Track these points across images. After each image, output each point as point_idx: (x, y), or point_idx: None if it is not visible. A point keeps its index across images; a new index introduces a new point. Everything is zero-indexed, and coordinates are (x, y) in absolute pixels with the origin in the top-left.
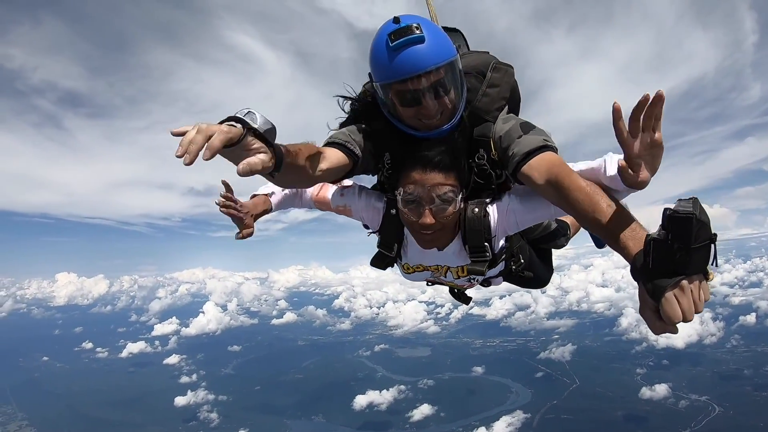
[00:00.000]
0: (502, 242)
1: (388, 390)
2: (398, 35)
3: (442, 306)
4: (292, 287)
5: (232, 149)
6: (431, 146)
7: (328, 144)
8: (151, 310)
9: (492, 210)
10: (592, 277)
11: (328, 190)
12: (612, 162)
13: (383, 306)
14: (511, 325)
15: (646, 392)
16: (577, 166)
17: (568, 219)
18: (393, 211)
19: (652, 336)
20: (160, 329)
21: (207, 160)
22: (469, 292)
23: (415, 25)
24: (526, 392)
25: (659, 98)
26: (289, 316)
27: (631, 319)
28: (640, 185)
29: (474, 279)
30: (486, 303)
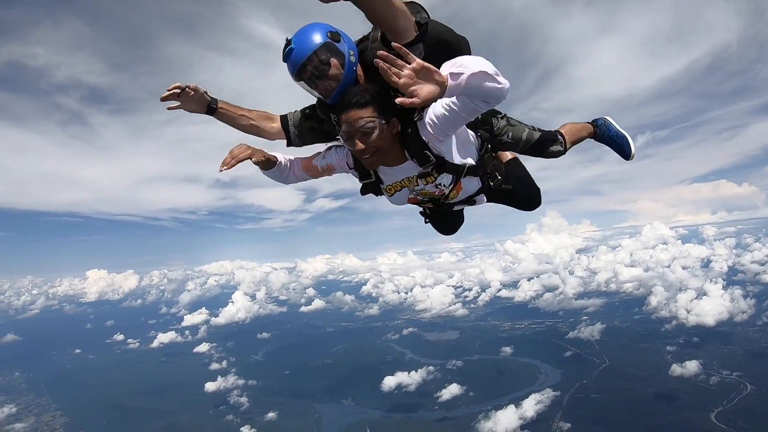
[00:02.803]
0: (455, 155)
1: (416, 371)
2: (283, 53)
3: (470, 290)
4: (320, 276)
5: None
6: (346, 94)
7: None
8: (181, 302)
9: (420, 124)
10: (620, 258)
11: (313, 160)
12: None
13: (411, 291)
14: (540, 306)
15: (676, 370)
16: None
17: (565, 129)
18: None
19: (682, 314)
20: (190, 319)
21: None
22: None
23: (288, 38)
24: (555, 372)
25: (384, 57)
26: (318, 304)
27: (660, 297)
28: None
29: (440, 185)
30: (514, 285)
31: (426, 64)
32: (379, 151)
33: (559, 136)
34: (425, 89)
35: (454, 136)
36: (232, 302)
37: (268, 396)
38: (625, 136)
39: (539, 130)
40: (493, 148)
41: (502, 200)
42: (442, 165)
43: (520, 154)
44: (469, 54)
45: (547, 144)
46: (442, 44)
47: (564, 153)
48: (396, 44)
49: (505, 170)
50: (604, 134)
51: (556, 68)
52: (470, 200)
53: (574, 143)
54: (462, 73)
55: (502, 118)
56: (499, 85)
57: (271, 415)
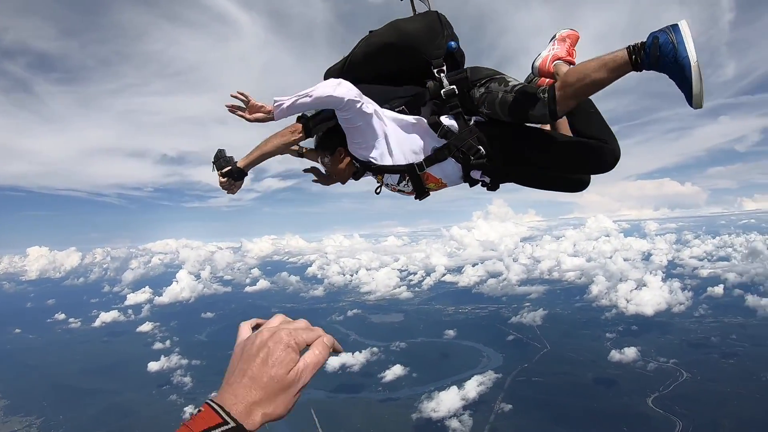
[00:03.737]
0: (385, 158)
1: (360, 352)
2: None
3: (415, 273)
4: (266, 256)
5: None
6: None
7: None
8: (124, 280)
9: None
10: (563, 248)
11: None
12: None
13: (356, 273)
14: (483, 291)
15: (615, 356)
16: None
17: (565, 75)
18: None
19: (621, 303)
20: (133, 298)
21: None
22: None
23: None
24: (497, 356)
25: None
26: (263, 284)
27: (601, 287)
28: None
29: (389, 184)
30: (459, 270)
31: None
32: (342, 172)
33: (541, 93)
34: (254, 116)
35: (382, 141)
36: (177, 281)
37: (212, 376)
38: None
39: (518, 90)
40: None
41: (547, 184)
42: (376, 168)
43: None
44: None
45: (524, 107)
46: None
47: (554, 115)
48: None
49: (521, 143)
50: (659, 59)
51: (512, 59)
52: (472, 180)
53: (583, 94)
54: (282, 103)
55: (483, 84)
56: (309, 98)
57: (214, 394)
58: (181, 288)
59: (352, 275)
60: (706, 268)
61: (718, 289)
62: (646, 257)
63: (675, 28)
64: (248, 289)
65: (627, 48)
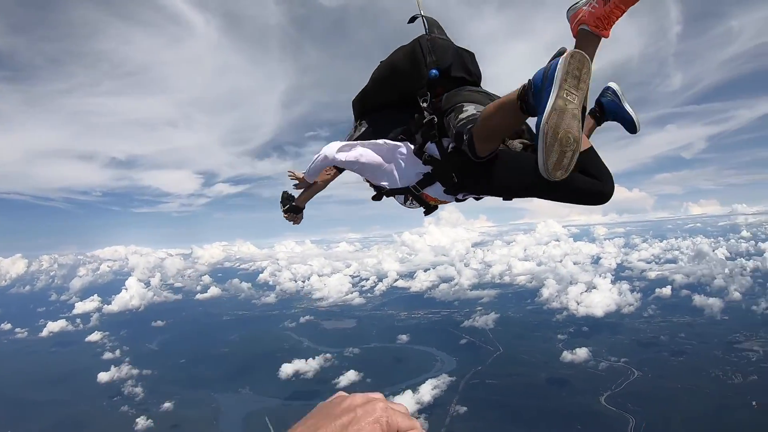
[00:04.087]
0: (384, 184)
1: (314, 359)
2: None
3: (367, 279)
4: (216, 263)
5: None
6: None
7: None
8: (72, 288)
9: None
10: (514, 252)
11: None
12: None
13: (308, 279)
14: (435, 296)
15: (567, 356)
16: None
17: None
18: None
19: (572, 306)
20: (82, 307)
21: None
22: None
23: None
24: (451, 360)
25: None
26: (214, 291)
27: (552, 290)
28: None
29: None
30: (411, 276)
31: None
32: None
33: (466, 135)
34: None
35: (384, 173)
36: (126, 289)
37: (164, 386)
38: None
39: (457, 128)
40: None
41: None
42: (387, 192)
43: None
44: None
45: (460, 146)
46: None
47: (477, 158)
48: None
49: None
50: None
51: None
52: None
53: (491, 138)
54: (306, 171)
55: (447, 115)
56: (319, 162)
57: (167, 405)
58: (131, 296)
59: (304, 281)
60: (654, 270)
61: (666, 290)
62: (596, 261)
63: (553, 64)
64: (199, 296)
65: (520, 86)
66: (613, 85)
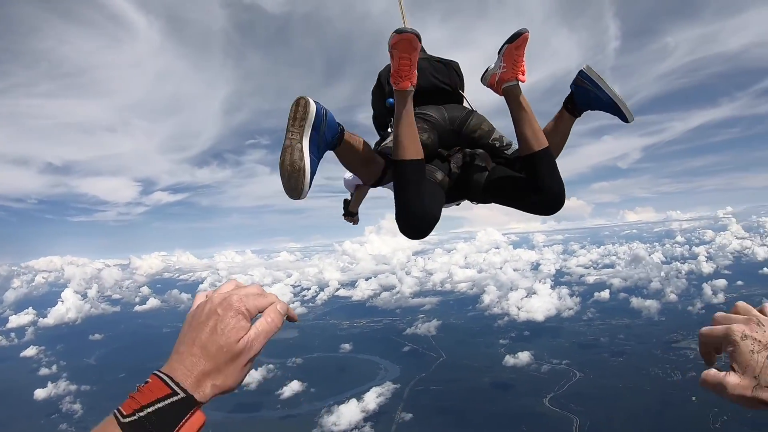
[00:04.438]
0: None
1: (256, 370)
2: None
3: (308, 289)
4: (155, 273)
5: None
6: None
7: None
8: (5, 301)
9: None
10: (455, 260)
11: None
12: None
13: None
14: (377, 305)
15: (510, 360)
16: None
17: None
18: None
19: (513, 311)
20: (16, 321)
21: None
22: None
23: None
24: (394, 368)
25: None
26: (153, 303)
27: (493, 296)
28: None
29: None
30: (352, 285)
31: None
32: None
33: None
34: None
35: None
36: (62, 301)
37: (104, 402)
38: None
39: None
40: None
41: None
42: None
43: None
44: None
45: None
46: None
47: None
48: None
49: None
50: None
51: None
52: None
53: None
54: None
55: None
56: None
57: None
58: (67, 308)
59: None
60: (593, 275)
61: (605, 294)
62: (535, 267)
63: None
64: (138, 308)
65: None
66: (584, 67)
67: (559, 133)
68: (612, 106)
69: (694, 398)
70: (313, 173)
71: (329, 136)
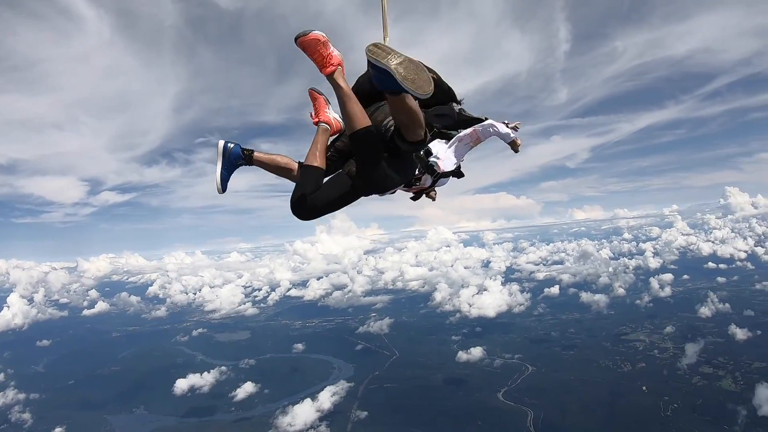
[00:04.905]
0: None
1: (209, 372)
2: None
3: (259, 289)
4: (104, 276)
5: None
6: None
7: None
8: None
9: None
10: (406, 258)
11: None
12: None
13: (199, 291)
14: (329, 304)
15: (462, 356)
16: None
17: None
18: None
19: (465, 308)
20: None
21: None
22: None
23: None
24: (348, 367)
25: None
26: (102, 306)
27: (444, 293)
28: None
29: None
30: (304, 284)
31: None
32: None
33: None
34: None
35: None
36: (8, 306)
37: (54, 410)
38: None
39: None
40: None
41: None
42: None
43: None
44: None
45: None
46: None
47: None
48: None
49: None
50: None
51: (358, 74)
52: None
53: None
54: None
55: None
56: None
57: (58, 430)
58: (13, 314)
59: (195, 293)
60: (542, 271)
61: (554, 290)
62: (486, 264)
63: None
64: (86, 312)
65: None
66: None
67: (397, 112)
68: (383, 80)
69: (644, 388)
70: (223, 179)
71: (233, 159)
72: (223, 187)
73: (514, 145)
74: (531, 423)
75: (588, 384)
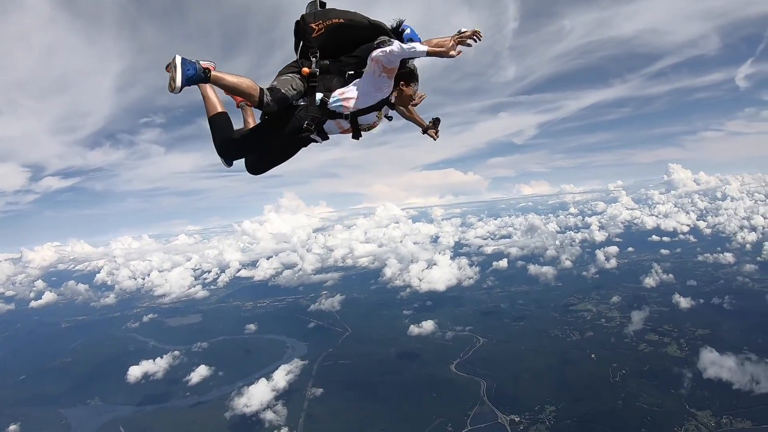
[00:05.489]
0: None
1: (162, 358)
2: None
3: (209, 271)
4: (50, 265)
5: None
6: None
7: None
8: None
9: None
10: (355, 236)
11: None
12: None
13: (148, 275)
14: (280, 283)
15: (414, 330)
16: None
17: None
18: None
19: (415, 283)
20: None
21: None
22: None
23: None
24: (301, 345)
25: None
26: (49, 297)
27: (394, 269)
28: None
29: None
30: (253, 265)
31: None
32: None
33: None
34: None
35: None
36: None
37: (6, 408)
38: None
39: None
40: None
41: None
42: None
43: None
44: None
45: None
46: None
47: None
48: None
49: None
50: None
51: None
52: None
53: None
54: None
55: None
56: None
57: (12, 428)
58: None
59: (144, 278)
60: (491, 245)
61: (503, 263)
62: (435, 240)
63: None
64: (33, 304)
65: None
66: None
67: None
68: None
69: (593, 356)
70: (183, 66)
71: (189, 77)
72: (183, 79)
73: (446, 54)
74: (484, 393)
75: (538, 353)
